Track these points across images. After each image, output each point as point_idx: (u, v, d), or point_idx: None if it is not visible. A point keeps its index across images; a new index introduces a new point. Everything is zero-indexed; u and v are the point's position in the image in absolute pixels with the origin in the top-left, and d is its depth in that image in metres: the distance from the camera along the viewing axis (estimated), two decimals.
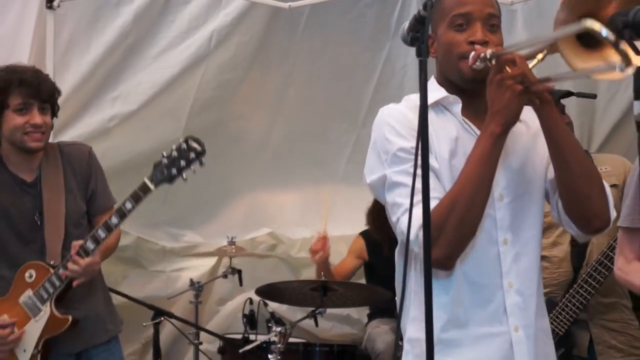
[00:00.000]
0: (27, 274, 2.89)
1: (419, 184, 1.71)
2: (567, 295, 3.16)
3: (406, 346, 2.02)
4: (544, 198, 2.06)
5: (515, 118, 1.87)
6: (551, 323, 3.07)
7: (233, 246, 4.34)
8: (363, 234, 4.65)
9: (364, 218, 4.61)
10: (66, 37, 3.96)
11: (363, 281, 4.68)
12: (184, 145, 2.89)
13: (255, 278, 4.42)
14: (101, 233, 2.85)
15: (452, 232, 1.88)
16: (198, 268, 4.76)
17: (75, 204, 2.99)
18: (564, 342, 3.18)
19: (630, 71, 1.43)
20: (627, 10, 1.54)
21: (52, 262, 2.89)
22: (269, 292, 4.10)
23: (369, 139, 2.01)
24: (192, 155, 2.89)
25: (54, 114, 2.99)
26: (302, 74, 4.59)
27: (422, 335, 1.75)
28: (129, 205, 2.86)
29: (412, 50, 4.85)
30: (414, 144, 1.88)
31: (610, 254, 3.01)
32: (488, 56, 1.86)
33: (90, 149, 3.10)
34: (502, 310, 1.97)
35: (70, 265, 2.82)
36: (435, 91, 1.97)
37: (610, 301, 3.22)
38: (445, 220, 1.86)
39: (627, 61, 1.43)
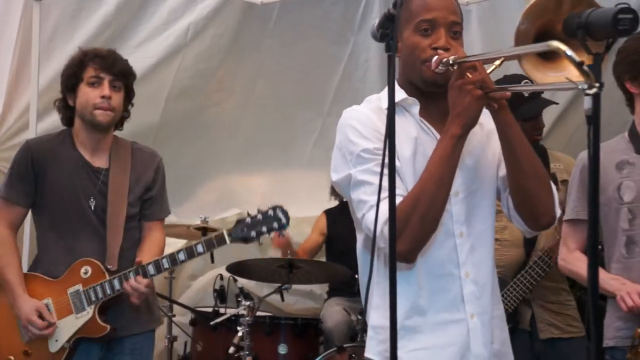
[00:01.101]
0: (82, 270, 2.79)
1: (384, 183, 1.73)
2: (518, 276, 3.21)
3: (370, 332, 2.03)
4: (496, 193, 2.08)
5: (474, 121, 1.88)
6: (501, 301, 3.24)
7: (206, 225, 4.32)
8: (326, 211, 4.73)
9: (327, 200, 4.69)
10: (51, 27, 3.95)
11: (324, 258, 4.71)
12: (271, 212, 2.88)
13: (225, 256, 4.33)
14: (165, 263, 2.80)
15: (415, 228, 1.87)
16: (173, 246, 4.46)
17: (134, 207, 2.90)
18: (511, 318, 3.18)
19: (593, 92, 1.42)
20: (581, 12, 1.57)
21: (109, 267, 2.81)
22: (238, 268, 4.16)
23: (334, 126, 2.00)
24: (275, 225, 2.87)
25: (128, 98, 2.92)
26: (272, 66, 4.62)
27: (385, 322, 1.76)
28: (200, 249, 2.82)
29: (375, 46, 4.94)
30: (376, 145, 1.92)
31: None
32: (450, 61, 1.87)
33: (161, 159, 3.02)
34: (459, 298, 1.99)
35: (130, 285, 2.73)
36: (396, 92, 1.88)
37: (550, 285, 3.28)
38: (408, 216, 1.85)
39: (590, 82, 1.43)
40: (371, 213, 1.85)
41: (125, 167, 2.91)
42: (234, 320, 3.92)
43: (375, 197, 1.82)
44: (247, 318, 3.81)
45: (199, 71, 4.43)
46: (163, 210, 3.04)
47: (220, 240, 2.83)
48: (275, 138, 4.89)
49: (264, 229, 2.86)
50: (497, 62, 1.86)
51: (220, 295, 4.37)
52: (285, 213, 2.90)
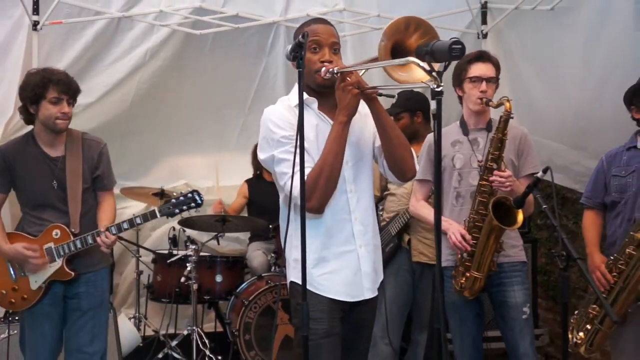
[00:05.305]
0: (54, 232, 2.86)
1: (297, 160, 1.86)
2: (400, 213, 3.43)
3: (292, 264, 2.13)
4: (372, 160, 2.21)
5: (354, 111, 2.00)
6: (391, 226, 3.46)
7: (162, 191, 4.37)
8: (247, 180, 4.89)
9: (248, 173, 4.89)
10: (46, 51, 4.12)
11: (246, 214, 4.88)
12: (190, 195, 3.00)
13: None
14: (113, 229, 2.86)
15: (321, 189, 1.98)
16: (137, 206, 4.84)
17: (87, 183, 2.94)
18: (395, 238, 3.48)
19: (440, 89, 1.55)
20: (428, 43, 1.68)
21: (73, 230, 2.87)
22: (186, 222, 4.35)
23: (253, 121, 2.06)
24: (193, 204, 2.99)
25: (74, 106, 2.97)
26: (207, 78, 4.79)
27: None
28: (138, 221, 2.91)
29: (281, 65, 5.20)
30: (290, 133, 2.04)
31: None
32: (335, 71, 2.01)
33: (105, 145, 3.03)
34: (351, 235, 2.12)
35: (103, 239, 2.82)
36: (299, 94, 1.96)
37: (425, 226, 3.37)
38: (316, 182, 1.96)
39: (437, 83, 1.56)
40: (289, 182, 1.98)
41: (78, 153, 2.91)
42: (184, 259, 4.14)
43: (292, 170, 1.96)
44: (193, 257, 4.05)
45: (154, 83, 4.58)
46: (111, 182, 3.06)
47: (153, 215, 2.94)
48: (211, 130, 5.00)
49: (184, 207, 2.99)
50: (364, 69, 2.04)
51: (174, 241, 4.49)
52: (200, 195, 3.01)
